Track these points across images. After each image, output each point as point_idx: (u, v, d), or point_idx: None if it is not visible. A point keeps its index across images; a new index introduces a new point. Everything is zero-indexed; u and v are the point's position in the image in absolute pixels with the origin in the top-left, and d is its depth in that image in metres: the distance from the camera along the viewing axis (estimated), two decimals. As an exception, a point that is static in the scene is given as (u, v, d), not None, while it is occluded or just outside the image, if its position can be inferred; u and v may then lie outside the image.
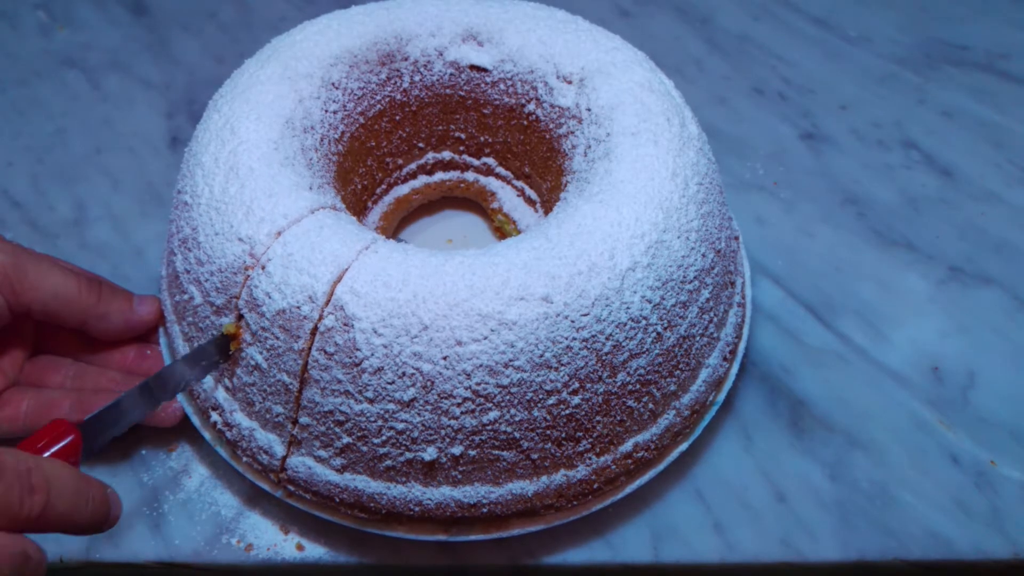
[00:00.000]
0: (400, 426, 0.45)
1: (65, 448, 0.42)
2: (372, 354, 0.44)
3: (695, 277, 0.48)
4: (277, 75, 0.52)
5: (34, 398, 0.51)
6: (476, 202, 0.64)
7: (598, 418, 0.47)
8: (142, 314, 0.53)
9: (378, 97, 0.56)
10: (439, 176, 0.62)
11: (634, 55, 0.55)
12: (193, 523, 0.52)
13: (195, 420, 0.52)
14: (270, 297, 0.45)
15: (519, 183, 0.61)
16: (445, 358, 0.43)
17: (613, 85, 0.52)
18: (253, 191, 0.47)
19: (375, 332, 0.44)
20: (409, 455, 0.46)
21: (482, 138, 0.60)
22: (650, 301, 0.46)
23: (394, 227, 0.62)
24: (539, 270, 0.44)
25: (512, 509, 0.49)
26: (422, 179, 0.62)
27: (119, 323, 0.52)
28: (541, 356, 0.44)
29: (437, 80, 0.57)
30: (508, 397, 0.44)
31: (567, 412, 0.46)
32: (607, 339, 0.45)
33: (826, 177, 0.68)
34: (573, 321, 0.44)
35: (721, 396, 0.53)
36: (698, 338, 0.49)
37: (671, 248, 0.47)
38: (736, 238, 0.57)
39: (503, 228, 0.61)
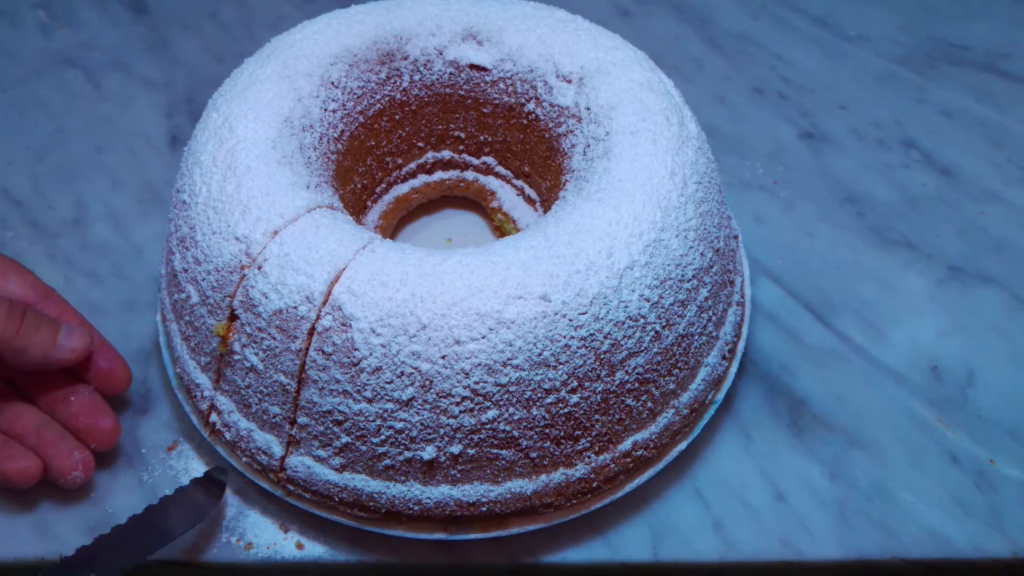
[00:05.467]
0: (399, 425, 0.45)
1: None
2: (370, 354, 0.44)
3: (693, 276, 0.48)
4: (276, 74, 0.52)
5: None
6: (476, 201, 0.64)
7: (597, 417, 0.47)
8: (64, 350, 0.50)
9: (378, 96, 0.56)
10: (439, 175, 0.62)
11: (633, 54, 0.55)
12: (192, 522, 0.52)
13: (194, 420, 0.53)
14: (267, 297, 0.45)
15: (519, 182, 0.61)
16: (443, 357, 0.43)
17: (612, 84, 0.52)
18: (250, 190, 0.47)
19: (373, 332, 0.44)
20: (408, 454, 0.46)
21: (482, 137, 0.60)
22: (648, 300, 0.46)
23: (393, 226, 0.62)
24: (537, 269, 0.44)
25: (511, 508, 0.49)
26: (422, 178, 0.62)
27: (37, 357, 0.49)
28: (539, 355, 0.44)
29: (437, 79, 0.57)
30: (507, 396, 0.44)
31: (566, 411, 0.46)
32: (605, 338, 0.45)
33: (826, 176, 0.68)
34: (571, 320, 0.44)
35: (720, 395, 0.53)
36: (697, 337, 0.49)
37: (669, 247, 0.47)
38: (735, 237, 0.57)
39: (503, 227, 0.61)
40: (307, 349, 0.45)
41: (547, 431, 0.46)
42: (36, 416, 0.51)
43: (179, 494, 0.49)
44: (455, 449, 0.46)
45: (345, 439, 0.46)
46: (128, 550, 0.47)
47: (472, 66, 0.56)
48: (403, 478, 0.47)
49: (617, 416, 0.48)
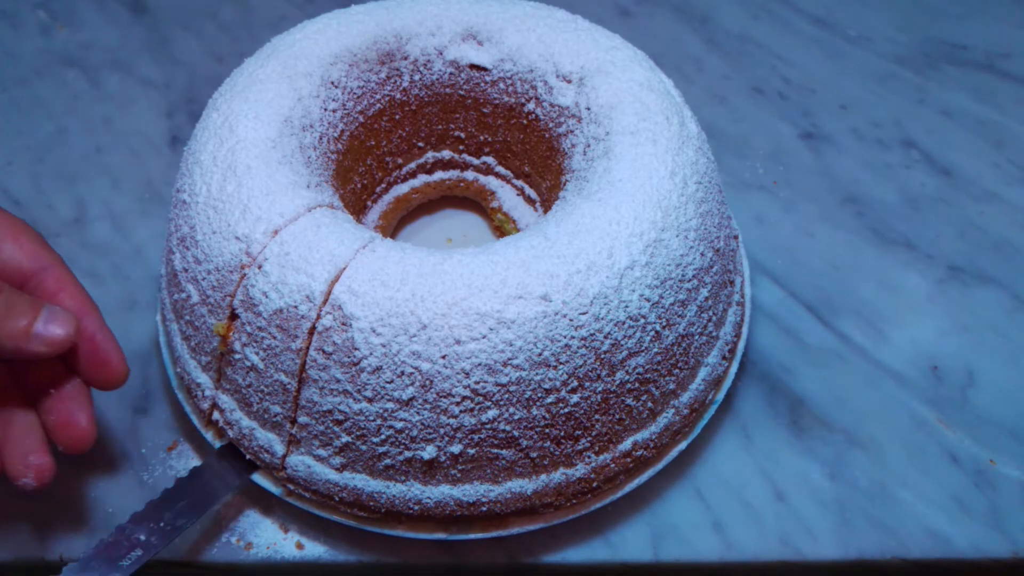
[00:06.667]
0: (399, 425, 0.45)
1: None
2: (371, 353, 0.44)
3: (694, 276, 0.48)
4: (276, 74, 0.52)
5: None
6: (476, 201, 0.64)
7: (597, 416, 0.47)
8: (39, 341, 0.44)
9: (378, 96, 0.56)
10: (439, 175, 0.62)
11: (633, 54, 0.55)
12: (192, 522, 0.52)
13: (194, 419, 0.53)
14: (267, 296, 0.45)
15: (519, 182, 0.61)
16: (444, 357, 0.43)
17: (612, 84, 0.52)
18: (250, 189, 0.47)
19: (373, 331, 0.44)
20: (408, 454, 0.46)
21: (482, 137, 0.60)
22: (648, 300, 0.46)
23: (393, 226, 0.62)
24: (537, 269, 0.44)
25: (511, 508, 0.49)
26: (422, 178, 0.62)
27: (7, 347, 0.43)
28: (540, 355, 0.44)
29: (437, 79, 0.57)
30: (507, 396, 0.44)
31: (566, 411, 0.46)
32: (606, 337, 0.45)
33: (826, 176, 0.68)
34: (571, 320, 0.44)
35: (720, 395, 0.54)
36: (697, 337, 0.49)
37: (670, 247, 0.47)
38: (735, 237, 0.57)
39: (503, 227, 0.61)
40: (307, 348, 0.45)
41: (547, 431, 0.46)
42: (9, 408, 0.47)
43: (206, 466, 0.49)
44: (455, 449, 0.46)
45: (345, 438, 0.46)
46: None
47: (472, 66, 0.56)
48: (403, 478, 0.47)
49: (617, 416, 0.48)
